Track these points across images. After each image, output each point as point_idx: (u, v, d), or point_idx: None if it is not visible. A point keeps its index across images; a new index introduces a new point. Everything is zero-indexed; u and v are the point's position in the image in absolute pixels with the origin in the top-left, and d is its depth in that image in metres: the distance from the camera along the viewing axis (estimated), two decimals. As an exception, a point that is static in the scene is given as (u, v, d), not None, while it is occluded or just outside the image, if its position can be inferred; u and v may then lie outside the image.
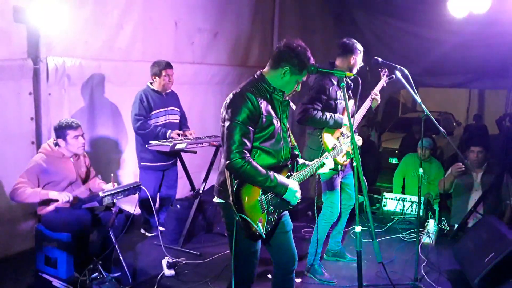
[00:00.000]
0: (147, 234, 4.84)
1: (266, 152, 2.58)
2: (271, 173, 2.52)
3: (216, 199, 2.71)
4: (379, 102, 4.12)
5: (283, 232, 2.75)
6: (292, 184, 2.59)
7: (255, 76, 2.64)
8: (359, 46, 3.84)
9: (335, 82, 3.78)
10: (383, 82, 4.09)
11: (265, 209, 2.57)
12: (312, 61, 2.57)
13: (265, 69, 2.65)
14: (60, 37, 4.19)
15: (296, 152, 2.79)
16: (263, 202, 2.57)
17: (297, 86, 2.64)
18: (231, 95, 2.56)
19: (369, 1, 7.79)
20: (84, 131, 4.57)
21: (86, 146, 4.19)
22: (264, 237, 2.57)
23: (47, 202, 3.63)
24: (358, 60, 3.85)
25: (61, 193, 3.56)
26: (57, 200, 3.58)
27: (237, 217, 2.49)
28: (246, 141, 2.46)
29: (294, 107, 2.82)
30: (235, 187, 2.49)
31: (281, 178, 2.56)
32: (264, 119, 2.52)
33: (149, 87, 4.60)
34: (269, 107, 2.57)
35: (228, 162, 2.45)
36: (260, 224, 2.53)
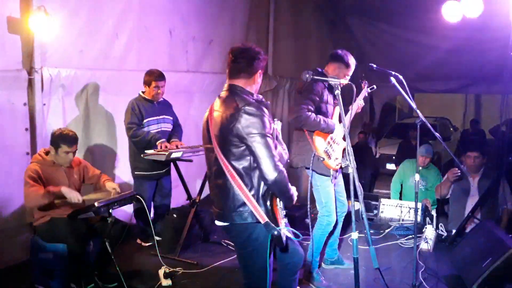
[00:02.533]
0: (143, 244, 4.81)
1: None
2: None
3: (226, 224, 2.63)
4: (360, 110, 4.18)
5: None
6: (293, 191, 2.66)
7: (241, 90, 2.59)
8: (349, 59, 3.82)
9: (327, 86, 3.79)
10: (364, 92, 4.13)
11: (282, 216, 2.62)
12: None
13: (241, 84, 2.60)
14: (55, 47, 4.20)
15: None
16: (281, 208, 2.64)
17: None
18: (240, 111, 2.44)
19: (363, 8, 7.84)
20: (79, 140, 4.58)
21: (81, 155, 4.18)
22: (301, 236, 2.61)
23: (43, 212, 3.60)
24: (342, 72, 3.81)
25: (72, 191, 3.55)
26: (53, 208, 3.55)
27: (276, 232, 2.41)
28: (275, 151, 2.50)
29: None
30: (267, 204, 2.50)
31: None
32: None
33: (140, 95, 4.61)
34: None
35: (276, 175, 2.42)
36: (292, 230, 2.61)
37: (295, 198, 2.63)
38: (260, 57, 2.59)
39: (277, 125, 2.70)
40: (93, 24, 4.56)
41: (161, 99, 4.71)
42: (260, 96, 2.64)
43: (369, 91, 4.11)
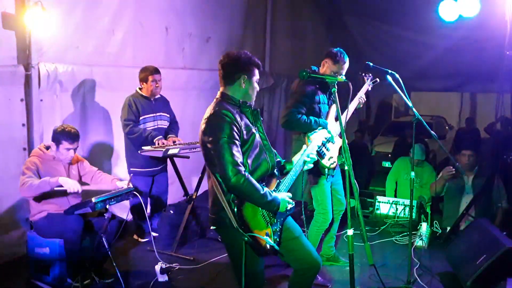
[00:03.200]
0: (140, 240, 4.82)
1: (255, 164, 2.58)
2: (266, 188, 2.51)
3: (214, 227, 2.70)
4: (361, 105, 4.12)
5: (293, 239, 2.71)
6: (281, 197, 2.57)
7: (218, 98, 2.64)
8: (340, 56, 3.76)
9: (318, 87, 3.78)
10: (367, 86, 4.05)
11: (268, 222, 2.55)
12: (254, 58, 2.63)
13: (222, 89, 2.65)
14: (51, 43, 4.20)
15: (278, 159, 2.79)
16: (265, 215, 2.56)
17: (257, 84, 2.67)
18: (205, 121, 2.53)
19: (360, 7, 7.86)
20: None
21: (78, 151, 4.18)
22: (278, 248, 2.56)
23: (39, 207, 3.61)
24: (330, 67, 3.77)
25: (69, 181, 3.52)
26: (48, 197, 3.57)
27: (246, 238, 2.44)
28: (238, 155, 2.45)
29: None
30: (235, 209, 2.47)
31: (272, 194, 2.53)
32: (244, 132, 2.54)
33: (137, 92, 4.61)
34: (245, 120, 2.59)
35: (228, 181, 2.41)
36: (268, 238, 2.50)
37: (273, 202, 2.50)
38: (239, 62, 2.59)
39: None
40: (89, 20, 4.56)
41: (159, 95, 4.71)
42: (248, 102, 2.64)
43: (372, 85, 4.04)
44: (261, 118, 2.78)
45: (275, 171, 2.70)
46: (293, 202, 2.64)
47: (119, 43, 4.94)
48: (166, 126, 4.77)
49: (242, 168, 2.43)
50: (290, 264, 2.80)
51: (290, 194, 2.64)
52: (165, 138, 4.60)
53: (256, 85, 2.66)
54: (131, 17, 5.02)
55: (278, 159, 2.78)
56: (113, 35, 4.86)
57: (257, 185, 2.47)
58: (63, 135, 3.65)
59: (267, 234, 2.51)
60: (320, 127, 3.66)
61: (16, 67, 3.98)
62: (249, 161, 2.56)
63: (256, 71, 2.64)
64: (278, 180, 2.69)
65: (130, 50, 5.09)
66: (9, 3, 3.89)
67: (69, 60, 4.42)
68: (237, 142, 2.46)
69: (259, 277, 2.72)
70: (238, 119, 2.52)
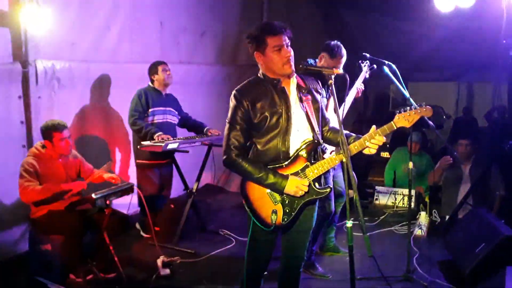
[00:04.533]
0: (144, 235, 4.80)
1: (264, 148, 2.58)
2: (266, 172, 2.51)
3: None
4: (360, 95, 4.11)
5: (297, 231, 2.74)
6: (292, 183, 2.51)
7: (258, 73, 2.67)
8: (338, 50, 3.73)
9: (316, 79, 3.76)
10: (364, 73, 4.00)
11: (279, 201, 2.58)
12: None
13: (261, 68, 2.66)
14: (47, 40, 4.17)
15: (316, 141, 2.63)
16: (272, 194, 2.58)
17: (284, 52, 2.54)
18: None
19: (356, -1, 7.85)
20: (74, 133, 4.58)
21: (77, 148, 4.19)
22: (273, 227, 2.58)
23: (40, 205, 3.62)
24: (327, 61, 3.76)
25: (75, 182, 3.59)
26: (48, 202, 3.58)
27: (247, 208, 2.62)
28: (237, 139, 2.54)
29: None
30: (242, 181, 2.62)
31: (277, 177, 2.51)
32: (257, 115, 2.53)
33: (150, 85, 4.68)
34: (265, 101, 2.54)
35: (224, 157, 2.58)
36: (275, 215, 2.57)
37: (274, 184, 2.51)
38: (249, 37, 2.59)
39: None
40: (84, 16, 4.54)
41: (168, 91, 4.77)
42: (261, 77, 2.62)
43: (369, 71, 3.98)
44: (302, 96, 2.65)
45: (301, 153, 2.59)
46: (303, 191, 2.54)
47: (115, 39, 4.93)
48: (174, 122, 4.81)
49: (235, 152, 2.54)
50: (282, 249, 2.86)
51: (305, 181, 2.54)
52: (204, 133, 4.76)
53: (279, 54, 2.53)
54: (127, 12, 5.00)
55: (315, 140, 2.63)
56: (109, 31, 4.84)
57: (254, 167, 2.53)
58: (51, 129, 3.68)
59: (274, 211, 2.57)
60: None
61: (12, 65, 3.97)
62: (258, 145, 2.60)
63: (274, 39, 2.52)
64: (307, 162, 2.59)
65: (126, 46, 5.08)
66: (2, 0, 3.86)
67: (66, 57, 4.41)
68: (238, 126, 2.54)
69: (261, 246, 2.75)
70: (249, 101, 2.53)
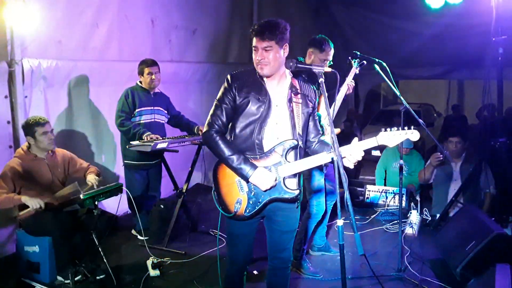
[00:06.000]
0: (139, 237, 4.72)
1: (240, 133, 2.64)
2: (237, 156, 2.56)
3: None
4: (351, 91, 4.10)
5: (279, 231, 2.75)
6: (259, 173, 2.55)
7: None
8: (324, 45, 3.72)
9: (306, 78, 3.74)
10: (354, 69, 3.97)
11: (246, 191, 2.62)
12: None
13: None
14: (33, 38, 4.12)
15: (295, 140, 2.62)
16: (240, 183, 2.63)
17: (256, 54, 2.59)
18: None
19: (346, -5, 7.85)
20: (62, 132, 4.53)
21: (64, 148, 4.14)
22: (232, 214, 2.62)
23: (26, 206, 3.56)
24: (316, 57, 3.74)
25: (33, 199, 3.48)
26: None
27: (213, 191, 2.68)
28: (218, 116, 2.63)
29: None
30: (215, 163, 2.69)
31: (246, 164, 2.55)
32: (240, 98, 2.61)
33: (137, 84, 4.59)
34: (251, 88, 2.62)
35: (203, 132, 2.68)
36: (238, 204, 2.61)
37: (241, 170, 2.55)
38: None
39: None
40: (71, 14, 4.48)
41: (158, 90, 4.70)
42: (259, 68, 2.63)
43: (359, 67, 3.95)
44: (292, 96, 2.68)
45: (277, 149, 2.60)
46: (268, 187, 2.57)
47: (103, 37, 4.87)
48: (163, 121, 4.75)
49: (215, 128, 2.62)
50: (267, 249, 2.86)
51: (273, 176, 2.57)
52: (192, 131, 4.71)
53: (254, 54, 2.60)
54: (115, 9, 4.95)
55: (294, 142, 2.62)
56: (97, 29, 4.78)
57: (225, 146, 2.59)
58: (32, 125, 3.65)
59: (239, 201, 2.62)
60: None
61: (-1, 64, 3.91)
62: (237, 128, 2.65)
63: (253, 40, 2.60)
64: (282, 158, 2.60)
65: (115, 44, 5.02)
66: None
67: (52, 56, 4.34)
68: (224, 105, 2.63)
69: (234, 242, 2.80)
70: (238, 85, 2.61)
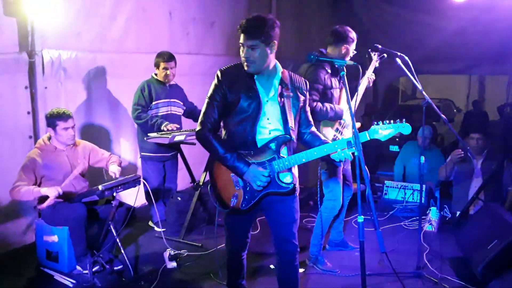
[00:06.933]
0: (156, 228, 4.74)
1: (233, 130, 2.67)
2: (231, 154, 2.60)
3: None
4: (371, 85, 4.05)
5: (278, 222, 2.77)
6: (252, 170, 2.59)
7: None
8: (352, 35, 3.72)
9: (329, 71, 3.70)
10: (374, 63, 3.93)
11: (241, 186, 2.68)
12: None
13: None
14: (53, 30, 4.14)
15: (287, 136, 2.65)
16: (236, 179, 2.69)
17: (242, 51, 2.59)
18: None
19: (366, -12, 7.74)
20: (81, 123, 4.56)
21: (84, 138, 4.16)
22: (229, 209, 2.72)
23: (45, 197, 3.60)
24: (350, 49, 3.73)
25: (50, 188, 3.52)
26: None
27: (209, 187, 2.79)
28: (211, 114, 2.65)
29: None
30: (211, 160, 2.79)
31: (240, 161, 2.60)
32: (231, 96, 2.61)
33: (153, 77, 4.58)
34: (242, 84, 2.62)
35: (196, 130, 2.72)
36: (235, 199, 2.68)
37: (235, 168, 2.61)
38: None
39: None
40: (90, 5, 4.48)
41: (173, 82, 4.68)
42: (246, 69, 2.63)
43: (380, 60, 3.92)
44: (281, 92, 2.68)
45: (270, 145, 2.64)
46: (262, 184, 2.60)
47: (121, 29, 4.87)
48: (179, 113, 4.74)
49: (208, 127, 2.65)
50: (273, 244, 2.88)
51: (265, 172, 2.60)
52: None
53: (241, 51, 2.60)
54: (133, 1, 4.94)
55: (287, 136, 2.65)
56: (115, 21, 4.79)
57: (219, 145, 2.63)
58: (56, 117, 3.66)
59: (235, 195, 2.69)
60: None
61: (19, 55, 3.94)
62: (230, 125, 2.69)
63: (240, 36, 2.58)
64: (274, 154, 2.64)
65: (133, 36, 5.02)
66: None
67: (72, 47, 4.36)
68: (215, 102, 2.64)
69: (231, 232, 2.95)
70: (227, 82, 2.62)
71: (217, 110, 2.65)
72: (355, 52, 3.80)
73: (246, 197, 2.68)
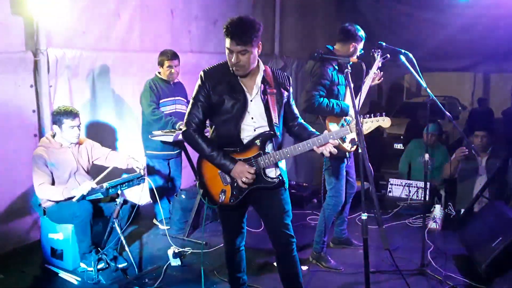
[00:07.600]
0: (160, 226, 4.76)
1: (219, 129, 2.73)
2: (217, 152, 2.65)
3: None
4: (379, 81, 4.05)
5: (269, 215, 2.83)
6: (238, 167, 2.63)
7: None
8: (361, 33, 3.74)
9: (337, 67, 3.70)
10: (377, 63, 3.93)
11: (229, 181, 2.73)
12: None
13: None
14: (59, 29, 4.16)
15: (272, 132, 2.69)
16: (223, 174, 2.74)
17: (231, 56, 2.58)
18: None
19: (370, -15, 7.71)
20: (86, 122, 4.57)
21: (89, 136, 4.18)
22: (218, 205, 2.79)
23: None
24: (358, 47, 3.75)
25: (80, 187, 3.57)
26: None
27: (197, 184, 2.85)
28: (195, 114, 2.69)
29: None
30: (198, 158, 2.82)
31: (226, 159, 2.64)
32: (215, 97, 2.64)
33: (157, 75, 4.59)
34: (225, 86, 2.65)
35: (182, 131, 2.77)
36: (223, 194, 2.74)
37: (222, 166, 2.66)
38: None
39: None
40: (94, 4, 4.50)
41: (177, 80, 4.69)
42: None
43: (382, 60, 3.92)
44: (262, 90, 2.70)
45: (255, 142, 2.69)
46: (247, 180, 2.63)
47: (125, 28, 4.89)
48: (184, 111, 4.74)
49: (193, 127, 2.69)
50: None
51: (251, 169, 2.63)
52: None
53: (228, 56, 2.61)
54: (136, 0, 4.96)
55: (271, 132, 2.69)
56: (119, 19, 4.81)
57: (205, 144, 2.67)
58: (63, 115, 3.68)
59: (223, 191, 2.74)
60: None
61: (24, 53, 3.96)
62: (216, 125, 2.75)
63: (227, 40, 2.56)
64: (259, 151, 2.68)
65: (136, 35, 5.04)
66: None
67: (76, 46, 4.39)
68: (200, 103, 2.68)
69: (224, 224, 3.02)
70: (211, 83, 2.65)
71: (202, 110, 2.69)
72: (362, 51, 3.80)
73: (234, 192, 2.73)
